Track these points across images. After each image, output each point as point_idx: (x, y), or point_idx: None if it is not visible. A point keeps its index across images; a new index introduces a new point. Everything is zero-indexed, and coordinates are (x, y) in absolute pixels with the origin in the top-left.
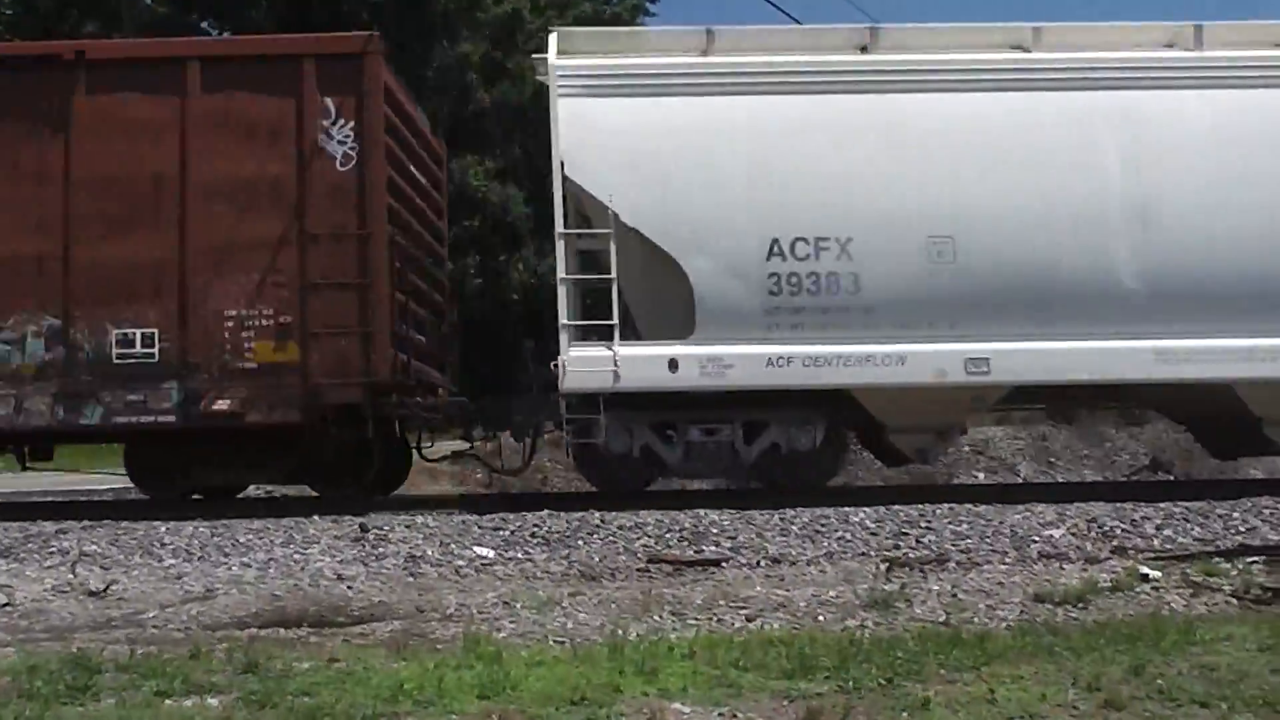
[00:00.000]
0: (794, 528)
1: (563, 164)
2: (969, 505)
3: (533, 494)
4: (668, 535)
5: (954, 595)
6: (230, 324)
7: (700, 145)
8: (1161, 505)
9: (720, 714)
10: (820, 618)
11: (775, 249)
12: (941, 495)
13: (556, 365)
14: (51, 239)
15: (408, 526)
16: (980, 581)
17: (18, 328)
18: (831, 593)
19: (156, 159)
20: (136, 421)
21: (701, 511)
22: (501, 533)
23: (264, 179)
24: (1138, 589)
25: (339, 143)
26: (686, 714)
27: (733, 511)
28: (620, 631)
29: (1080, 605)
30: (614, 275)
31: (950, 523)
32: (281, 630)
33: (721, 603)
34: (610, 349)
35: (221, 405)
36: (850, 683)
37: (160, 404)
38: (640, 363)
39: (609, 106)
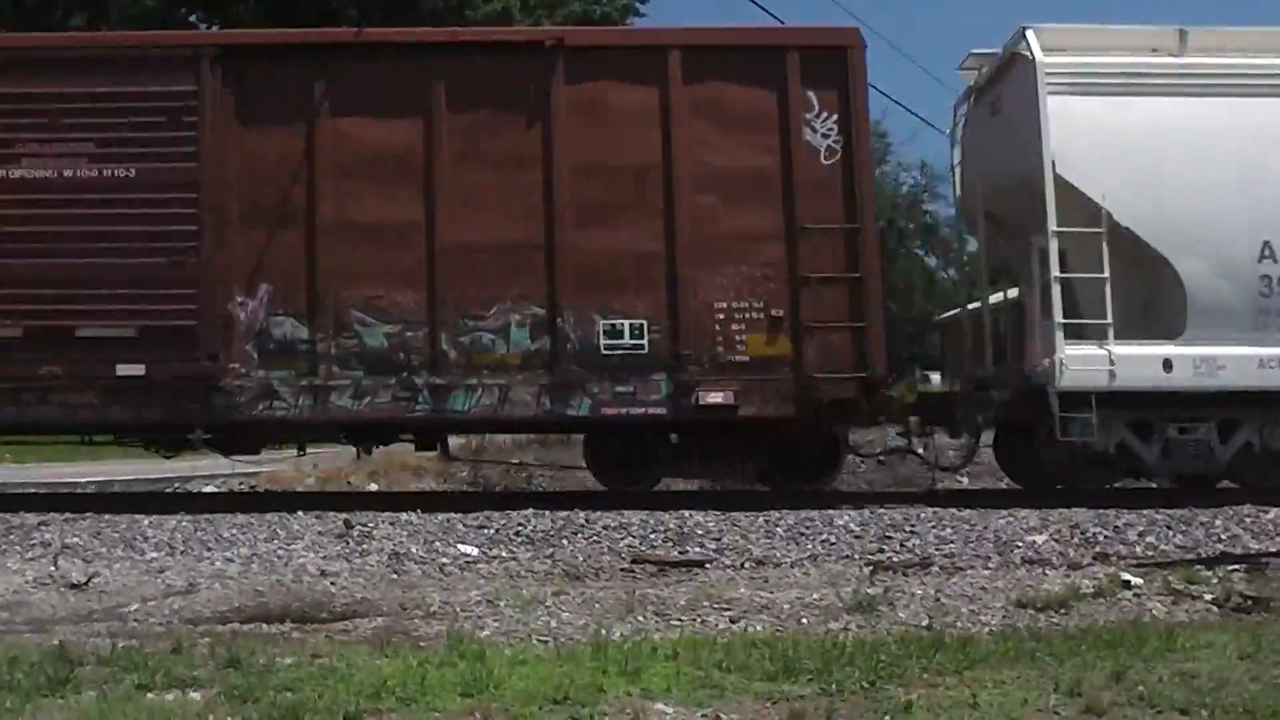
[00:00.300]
0: (779, 530)
1: (1053, 162)
2: (953, 510)
3: (518, 493)
4: (652, 536)
5: (937, 599)
6: (720, 316)
7: (1189, 146)
8: (1144, 512)
9: (703, 715)
10: (804, 620)
11: (1266, 251)
12: (925, 499)
13: (1049, 364)
14: (533, 228)
15: (392, 523)
16: (963, 586)
17: (500, 316)
18: (815, 595)
19: (639, 148)
20: (625, 414)
21: (686, 512)
22: (486, 531)
23: (748, 171)
24: (1120, 595)
25: (822, 136)
26: (669, 714)
27: (717, 513)
28: (604, 631)
29: (1062, 611)
30: (1107, 274)
31: (934, 527)
32: (264, 625)
33: (705, 604)
34: (1105, 348)
35: (715, 398)
36: (833, 685)
37: (649, 396)
38: (1135, 362)
39: (1096, 105)
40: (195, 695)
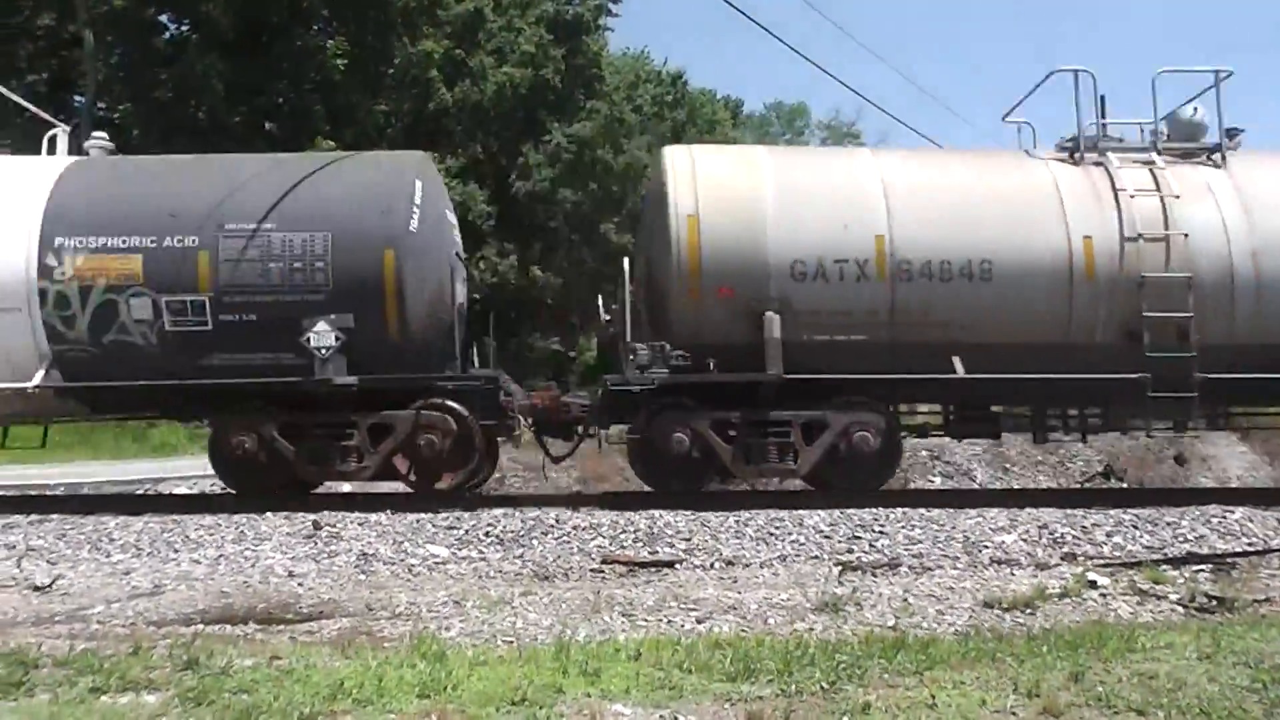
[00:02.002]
0: (748, 530)
1: None
2: (922, 510)
3: (489, 493)
4: (622, 536)
5: (904, 600)
6: None
7: None
8: (1112, 512)
9: (660, 716)
10: (770, 620)
11: None
12: (895, 499)
13: None
14: None
15: (361, 524)
16: (931, 586)
17: None
18: (783, 595)
19: None
20: None
21: (656, 513)
22: (456, 531)
23: None
24: (1086, 595)
25: None
26: (626, 715)
27: (687, 513)
28: (568, 632)
29: (1028, 611)
30: None
31: (904, 527)
32: (228, 627)
33: (673, 604)
34: None
35: None
36: (793, 686)
37: None
38: None
39: None
40: (150, 698)
